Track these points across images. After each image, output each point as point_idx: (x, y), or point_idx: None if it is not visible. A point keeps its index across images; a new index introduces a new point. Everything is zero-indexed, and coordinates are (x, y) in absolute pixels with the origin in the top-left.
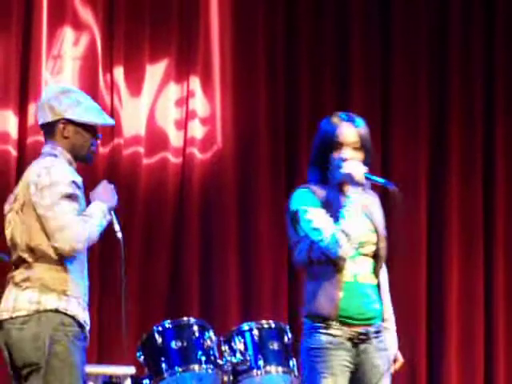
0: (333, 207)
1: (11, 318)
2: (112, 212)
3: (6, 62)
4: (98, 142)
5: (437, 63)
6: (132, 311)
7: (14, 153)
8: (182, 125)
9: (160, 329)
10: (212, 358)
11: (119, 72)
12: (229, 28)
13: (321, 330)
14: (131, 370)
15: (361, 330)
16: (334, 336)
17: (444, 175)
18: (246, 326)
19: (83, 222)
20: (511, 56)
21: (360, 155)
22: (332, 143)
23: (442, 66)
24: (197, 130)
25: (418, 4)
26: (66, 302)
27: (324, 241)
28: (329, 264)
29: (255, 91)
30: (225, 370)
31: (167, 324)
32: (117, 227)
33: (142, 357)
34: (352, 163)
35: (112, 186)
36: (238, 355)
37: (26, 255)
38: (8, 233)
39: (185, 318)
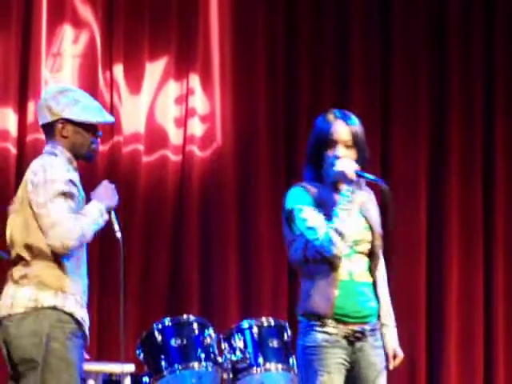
0: (327, 205)
1: (9, 315)
2: (112, 212)
3: (6, 59)
4: (99, 140)
5: (437, 63)
6: (132, 309)
7: (13, 151)
8: (182, 122)
9: (160, 326)
10: (212, 355)
11: (119, 70)
12: (228, 25)
13: (317, 328)
14: (131, 367)
15: (357, 328)
16: (330, 334)
17: (444, 175)
18: (245, 324)
19: (76, 219)
20: (511, 56)
21: (353, 153)
22: (326, 141)
23: (441, 66)
24: (196, 128)
25: (417, 4)
26: (63, 299)
27: (318, 240)
28: (324, 262)
29: (255, 89)
30: (224, 368)
31: (167, 322)
32: (116, 227)
33: (142, 354)
34: (344, 161)
35: (113, 185)
36: (238, 353)
37: (23, 253)
38: (8, 231)
39: (184, 316)
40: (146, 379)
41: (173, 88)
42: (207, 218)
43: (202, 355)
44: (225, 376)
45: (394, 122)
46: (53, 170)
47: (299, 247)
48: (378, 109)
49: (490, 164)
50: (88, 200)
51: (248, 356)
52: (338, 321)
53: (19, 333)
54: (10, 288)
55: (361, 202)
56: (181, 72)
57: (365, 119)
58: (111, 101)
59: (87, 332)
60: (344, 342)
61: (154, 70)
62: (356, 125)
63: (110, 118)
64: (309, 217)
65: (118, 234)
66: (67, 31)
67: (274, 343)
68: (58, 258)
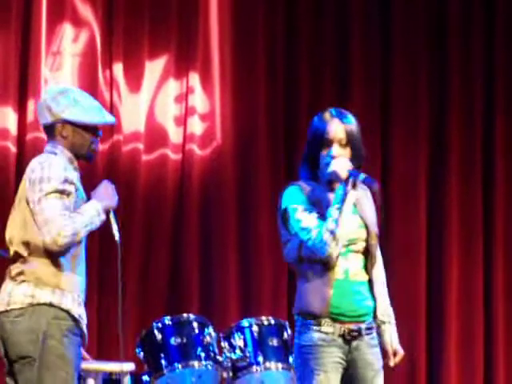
0: (322, 204)
1: (6, 311)
2: (111, 212)
3: (6, 58)
4: (99, 140)
5: (437, 63)
6: (132, 308)
7: (13, 149)
8: (182, 121)
9: (159, 325)
10: (211, 354)
11: (118, 68)
12: (228, 24)
13: (313, 328)
14: (130, 366)
15: (353, 326)
16: (326, 333)
17: (444, 175)
18: (245, 323)
19: (70, 217)
20: (511, 56)
21: (347, 151)
22: (321, 140)
23: (441, 66)
24: (196, 127)
25: (417, 4)
26: (60, 296)
27: (311, 241)
28: (319, 262)
29: (255, 88)
30: (224, 367)
31: (167, 320)
32: (115, 227)
33: (142, 353)
34: (338, 161)
35: (113, 186)
36: (238, 351)
37: (21, 249)
38: (7, 229)
39: (184, 315)
40: (145, 378)
41: (173, 87)
42: (207, 216)
43: (202, 354)
44: (225, 375)
45: (394, 122)
46: (50, 168)
47: (294, 246)
48: (378, 109)
49: (489, 164)
50: (88, 200)
51: (248, 355)
52: (333, 320)
53: (16, 329)
54: (7, 285)
55: (355, 201)
56: (181, 71)
57: (365, 119)
58: (111, 99)
59: (84, 329)
60: (340, 341)
61: (154, 68)
62: (352, 123)
63: (110, 119)
64: (303, 217)
65: (116, 235)
66: (67, 30)
67: (274, 342)
68: (54, 255)
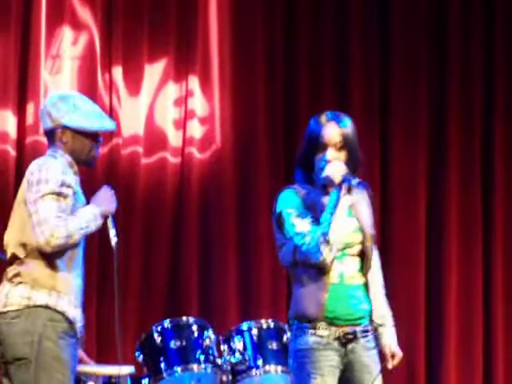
0: (317, 208)
1: (2, 313)
2: (109, 218)
3: (5, 61)
4: (99, 146)
5: (436, 65)
6: (131, 311)
7: (12, 153)
8: (181, 124)
9: (159, 328)
10: (211, 357)
11: (118, 71)
12: (227, 27)
13: (308, 331)
14: (127, 369)
15: (348, 329)
16: (322, 337)
17: (443, 176)
18: (245, 326)
19: (64, 219)
20: (511, 58)
21: (342, 155)
22: (316, 144)
23: (441, 68)
24: (195, 130)
25: (417, 6)
26: (56, 298)
27: (305, 245)
28: (313, 266)
29: (254, 91)
30: (224, 370)
31: (166, 323)
32: (112, 233)
33: (141, 356)
34: (332, 165)
35: (112, 192)
36: (237, 355)
37: (18, 251)
38: (6, 231)
39: (184, 318)
40: (145, 381)
41: (172, 90)
42: (206, 219)
43: (202, 357)
44: (224, 378)
45: (394, 124)
46: (48, 170)
47: (289, 250)
48: (378, 110)
49: (489, 165)
50: (88, 204)
51: (247, 358)
52: (329, 323)
53: (12, 331)
54: (4, 286)
55: (350, 204)
56: (180, 74)
57: (364, 120)
58: (110, 103)
59: (79, 332)
60: (336, 344)
61: (153, 71)
62: (347, 126)
63: (110, 126)
64: (297, 222)
65: (114, 240)
66: (66, 33)
67: (274, 345)
68: (50, 257)
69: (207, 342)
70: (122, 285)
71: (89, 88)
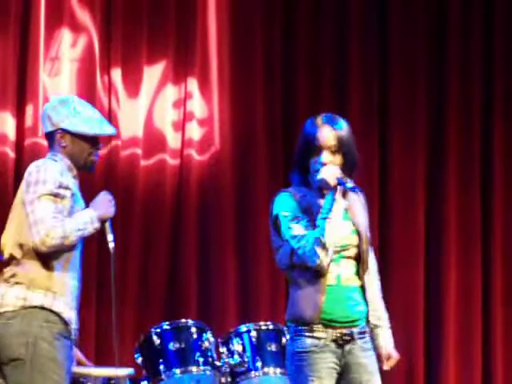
0: (313, 211)
1: None
2: (107, 222)
3: (4, 63)
4: (98, 152)
5: (435, 67)
6: (130, 313)
7: (11, 154)
8: (180, 126)
9: (158, 330)
10: (210, 359)
11: (117, 74)
12: (226, 29)
13: (305, 334)
14: (127, 371)
15: (345, 331)
16: (319, 339)
17: (442, 179)
18: (243, 328)
19: (60, 220)
20: (510, 60)
21: (337, 159)
22: (311, 147)
23: (439, 70)
24: (194, 132)
25: (416, 7)
26: (51, 299)
27: (301, 249)
28: (310, 269)
29: (253, 93)
30: (223, 372)
31: (165, 325)
32: (110, 237)
33: (140, 358)
34: (327, 169)
35: (111, 197)
36: (236, 357)
37: (15, 251)
38: (4, 232)
39: (183, 320)
40: (144, 383)
41: (171, 92)
42: (205, 221)
43: (201, 359)
44: (223, 380)
45: (392, 126)
46: (46, 171)
47: (286, 253)
48: (376, 112)
49: (488, 168)
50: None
51: (246, 360)
52: (326, 325)
53: (8, 332)
54: (0, 287)
55: (345, 207)
56: (179, 76)
57: (363, 123)
58: (109, 105)
59: (74, 334)
60: (333, 346)
61: (152, 73)
62: (342, 129)
63: (109, 131)
64: (293, 225)
65: (111, 245)
66: (65, 35)
67: (273, 347)
68: (47, 257)
69: (206, 344)
70: (121, 287)
71: (88, 90)
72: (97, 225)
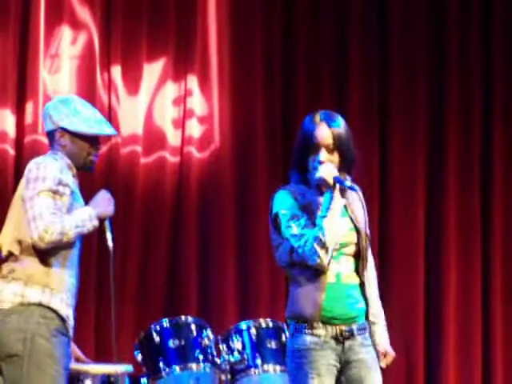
0: (312, 209)
1: None
2: (106, 221)
3: (4, 60)
4: (98, 152)
5: (435, 67)
6: (130, 310)
7: (11, 152)
8: (180, 124)
9: (158, 327)
10: (210, 356)
11: (117, 71)
12: (226, 27)
13: (305, 331)
14: (125, 368)
15: (345, 327)
16: (319, 336)
17: (442, 179)
18: (243, 325)
19: (58, 216)
20: (509, 61)
21: (335, 156)
22: (309, 145)
23: (439, 70)
24: (194, 129)
25: (415, 8)
26: (49, 296)
27: (301, 248)
28: (310, 267)
29: (253, 90)
30: (222, 369)
31: (165, 323)
32: (108, 235)
33: (140, 355)
34: (324, 167)
35: (110, 196)
36: (236, 354)
37: (13, 248)
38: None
39: (182, 317)
40: (144, 380)
41: (171, 89)
42: (205, 219)
43: (200, 356)
44: (223, 377)
45: (392, 126)
46: (46, 168)
47: (286, 250)
48: (376, 112)
49: (488, 168)
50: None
51: (246, 357)
52: (326, 323)
53: (5, 328)
54: None
55: (344, 205)
56: (179, 73)
57: (363, 122)
58: (109, 102)
59: (71, 331)
60: (333, 343)
61: (152, 71)
62: (339, 127)
63: (108, 131)
64: (293, 224)
65: (110, 244)
66: (65, 32)
67: (272, 344)
68: (45, 254)
69: (206, 341)
70: (121, 284)
71: (88, 87)
72: (95, 223)
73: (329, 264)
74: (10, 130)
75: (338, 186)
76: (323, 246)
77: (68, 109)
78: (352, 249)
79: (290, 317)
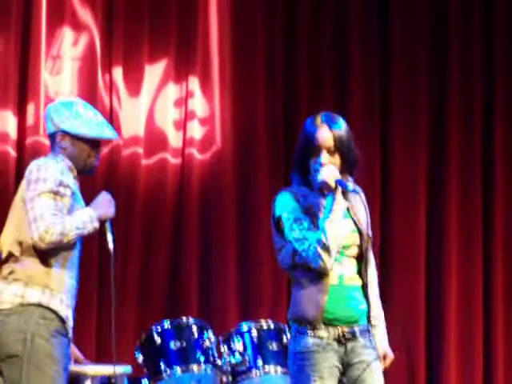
0: (315, 211)
1: None
2: (107, 222)
3: (5, 61)
4: (99, 156)
5: (436, 65)
6: (131, 311)
7: (13, 153)
8: (181, 125)
9: (159, 329)
10: (211, 358)
11: (118, 72)
12: (228, 28)
13: (307, 333)
14: (126, 369)
15: (347, 329)
16: (321, 338)
17: (443, 178)
18: (244, 327)
19: (59, 217)
20: (511, 58)
21: (336, 159)
22: (311, 147)
23: (441, 68)
24: (196, 131)
25: (417, 5)
26: (49, 297)
27: (305, 252)
28: (313, 269)
29: (254, 91)
30: (224, 371)
31: (166, 324)
32: (109, 237)
33: (141, 357)
34: (326, 170)
35: (111, 197)
36: (237, 355)
37: (14, 249)
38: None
39: (184, 318)
40: (145, 382)
41: (172, 91)
42: (207, 220)
43: (202, 358)
44: (224, 379)
45: (394, 124)
46: (47, 170)
47: (288, 253)
48: (378, 111)
49: (489, 167)
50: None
51: (247, 359)
52: (328, 325)
53: (5, 329)
54: None
55: (346, 207)
56: (180, 75)
57: (364, 121)
58: (110, 103)
59: (70, 331)
60: (335, 345)
61: (154, 72)
62: (340, 129)
63: (109, 135)
64: (296, 227)
65: (111, 245)
66: (67, 34)
67: (274, 346)
68: (45, 255)
69: (207, 342)
70: (122, 286)
71: (89, 89)
72: (96, 224)
73: (332, 267)
74: (12, 131)
75: (339, 188)
76: (326, 249)
77: (69, 111)
78: (354, 251)
79: (292, 319)
